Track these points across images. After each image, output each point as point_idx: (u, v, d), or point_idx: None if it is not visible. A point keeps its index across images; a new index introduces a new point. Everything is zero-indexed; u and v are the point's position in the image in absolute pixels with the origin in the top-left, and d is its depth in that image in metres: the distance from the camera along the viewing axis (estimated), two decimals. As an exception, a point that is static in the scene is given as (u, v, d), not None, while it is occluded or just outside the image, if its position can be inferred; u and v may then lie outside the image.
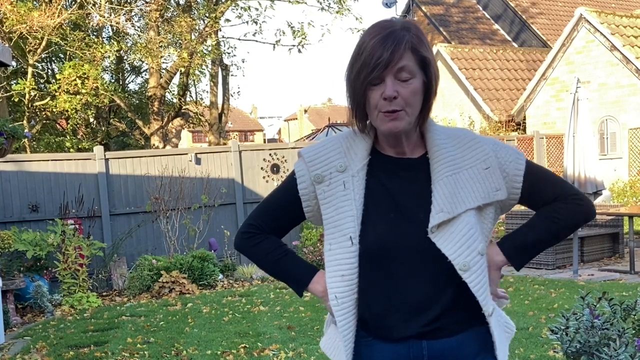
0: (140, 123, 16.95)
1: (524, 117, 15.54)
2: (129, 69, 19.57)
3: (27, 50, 12.74)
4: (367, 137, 1.58)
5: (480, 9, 22.80)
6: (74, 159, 9.16)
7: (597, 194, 7.59)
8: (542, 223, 1.58)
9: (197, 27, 15.75)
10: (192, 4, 16.26)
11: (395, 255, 1.51)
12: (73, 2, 14.47)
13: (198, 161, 9.73)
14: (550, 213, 1.57)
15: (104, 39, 16.44)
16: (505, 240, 1.60)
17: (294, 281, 1.66)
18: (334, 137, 1.65)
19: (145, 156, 9.55)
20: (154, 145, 16.02)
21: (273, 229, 1.67)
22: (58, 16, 12.33)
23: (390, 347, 1.55)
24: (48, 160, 8.91)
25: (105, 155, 9.19)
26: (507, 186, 1.55)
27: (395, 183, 1.56)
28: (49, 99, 13.26)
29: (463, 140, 1.57)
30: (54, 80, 14.34)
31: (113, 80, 17.80)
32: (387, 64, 1.45)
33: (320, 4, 16.23)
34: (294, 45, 16.25)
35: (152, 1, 14.74)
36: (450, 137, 1.57)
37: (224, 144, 17.01)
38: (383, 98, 1.47)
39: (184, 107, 17.84)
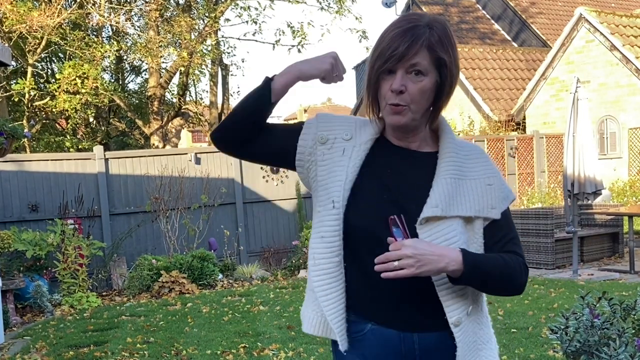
0: (140, 123, 16.94)
1: (524, 116, 15.54)
2: (128, 68, 19.56)
3: (27, 50, 12.73)
4: (378, 124, 1.61)
5: (480, 8, 22.79)
6: (74, 159, 9.16)
7: (596, 193, 7.59)
8: (499, 260, 1.52)
9: (196, 27, 15.75)
10: (192, 3, 16.25)
11: (380, 237, 1.49)
12: (73, 2, 14.47)
13: (198, 161, 9.73)
14: (507, 259, 1.53)
15: (104, 39, 16.43)
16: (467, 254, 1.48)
17: (259, 88, 1.58)
18: (350, 115, 1.69)
19: (144, 156, 9.55)
20: (153, 145, 16.01)
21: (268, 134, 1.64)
22: (58, 16, 12.33)
23: (381, 331, 1.55)
24: (48, 160, 8.90)
25: (105, 155, 9.18)
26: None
27: (396, 168, 1.58)
28: (48, 98, 13.25)
29: (473, 153, 1.60)
30: (53, 80, 14.33)
31: (113, 80, 17.79)
32: (401, 58, 1.46)
33: (320, 3, 16.22)
34: (293, 45, 16.24)
35: (152, 1, 14.73)
36: (462, 147, 1.60)
37: (224, 143, 16.96)
38: (390, 90, 1.49)
39: (183, 107, 17.84)
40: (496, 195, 1.56)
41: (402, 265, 1.39)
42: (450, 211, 1.50)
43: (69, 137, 15.41)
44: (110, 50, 13.90)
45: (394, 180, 1.56)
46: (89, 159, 9.13)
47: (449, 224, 1.50)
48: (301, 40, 16.04)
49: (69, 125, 15.48)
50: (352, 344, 1.58)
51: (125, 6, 14.97)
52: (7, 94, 12.69)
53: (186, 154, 9.76)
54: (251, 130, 1.60)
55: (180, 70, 16.21)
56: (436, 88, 1.51)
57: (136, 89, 20.59)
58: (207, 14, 15.59)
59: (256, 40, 20.51)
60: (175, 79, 17.72)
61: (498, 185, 1.57)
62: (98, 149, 9.31)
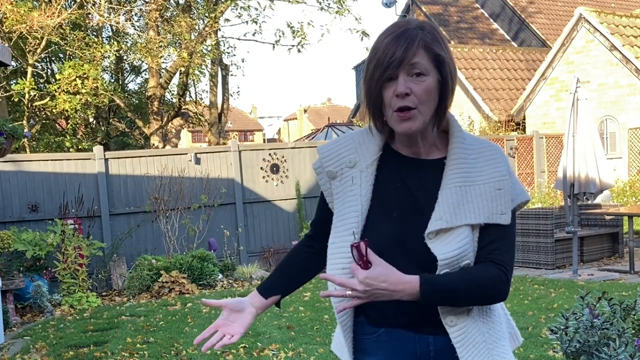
0: (140, 123, 16.94)
1: (524, 116, 15.54)
2: (128, 68, 19.57)
3: (27, 50, 12.74)
4: (381, 135, 1.59)
5: (479, 7, 22.79)
6: (74, 159, 9.15)
7: (596, 193, 7.57)
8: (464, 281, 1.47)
9: (196, 27, 15.75)
10: (192, 3, 16.25)
11: (392, 255, 1.50)
12: (73, 2, 14.47)
13: (198, 161, 9.73)
14: (476, 276, 1.48)
15: (104, 39, 16.44)
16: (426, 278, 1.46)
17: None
18: (349, 133, 1.67)
19: (144, 156, 9.55)
20: (153, 145, 16.01)
21: (320, 233, 1.73)
22: (58, 16, 12.33)
23: (397, 332, 1.55)
24: (47, 160, 8.90)
25: (104, 155, 9.18)
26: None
27: (404, 182, 1.56)
28: (48, 98, 13.25)
29: (484, 154, 1.56)
30: (53, 80, 14.33)
31: (113, 80, 17.79)
32: (401, 62, 1.45)
33: (320, 3, 16.22)
34: (293, 45, 16.25)
35: (152, 1, 14.73)
36: (473, 148, 1.56)
37: (224, 143, 17.01)
38: (395, 95, 1.47)
39: (183, 107, 17.84)
40: (507, 199, 1.51)
41: (353, 295, 1.45)
42: (455, 221, 1.48)
43: (69, 137, 15.40)
44: (110, 51, 13.90)
45: (403, 196, 1.55)
46: (89, 159, 9.13)
47: (459, 232, 1.48)
48: (301, 41, 16.05)
49: (69, 125, 15.48)
50: (366, 347, 1.59)
51: (125, 6, 14.97)
52: (7, 94, 12.69)
53: (186, 154, 9.76)
54: (310, 271, 1.89)
55: (180, 70, 16.21)
56: (439, 87, 1.50)
57: (136, 89, 20.60)
58: (207, 14, 15.59)
59: (256, 41, 20.55)
60: (175, 79, 17.74)
61: (509, 189, 1.52)
62: (98, 149, 9.31)
